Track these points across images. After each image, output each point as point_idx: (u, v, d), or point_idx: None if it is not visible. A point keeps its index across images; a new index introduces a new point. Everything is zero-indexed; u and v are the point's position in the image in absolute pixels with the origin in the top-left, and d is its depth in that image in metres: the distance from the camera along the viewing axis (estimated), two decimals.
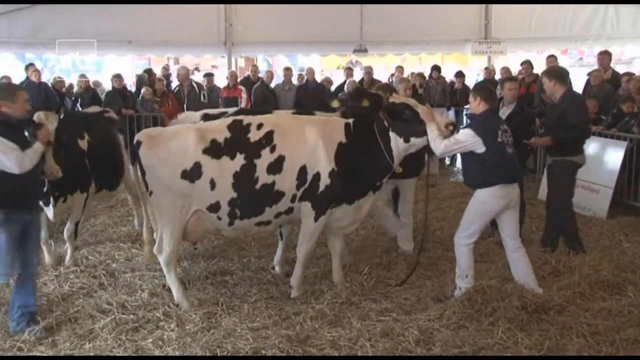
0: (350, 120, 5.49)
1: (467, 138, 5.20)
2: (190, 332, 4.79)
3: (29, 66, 12.00)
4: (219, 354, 4.45)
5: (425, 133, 5.27)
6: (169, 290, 5.52)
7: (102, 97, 12.19)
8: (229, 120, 5.50)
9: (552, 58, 11.35)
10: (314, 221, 5.35)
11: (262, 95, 11.86)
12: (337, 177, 5.26)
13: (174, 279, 5.40)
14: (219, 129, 5.29)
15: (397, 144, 5.37)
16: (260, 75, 12.85)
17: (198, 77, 14.65)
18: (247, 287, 5.73)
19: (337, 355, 4.43)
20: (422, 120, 5.28)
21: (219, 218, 5.26)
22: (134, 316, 5.07)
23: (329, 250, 5.94)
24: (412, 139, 5.34)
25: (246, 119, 5.43)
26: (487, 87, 6.30)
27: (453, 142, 5.21)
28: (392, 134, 5.36)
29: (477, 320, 4.81)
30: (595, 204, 8.09)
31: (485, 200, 5.26)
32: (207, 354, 4.44)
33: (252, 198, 5.20)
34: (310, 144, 5.26)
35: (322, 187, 5.27)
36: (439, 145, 5.20)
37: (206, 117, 6.60)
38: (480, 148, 5.16)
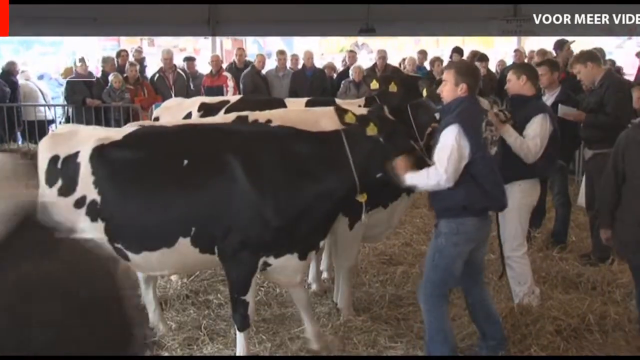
0: None
1: (548, 126, 5.25)
2: None
3: None
4: None
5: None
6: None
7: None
8: (232, 116, 5.45)
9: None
10: (349, 229, 5.30)
11: (253, 83, 11.80)
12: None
13: (152, 297, 5.35)
14: None
15: None
16: (249, 59, 12.82)
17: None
18: None
19: None
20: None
21: None
22: None
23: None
24: None
25: (252, 115, 5.39)
26: (531, 65, 6.31)
27: (543, 137, 5.20)
28: None
29: None
30: None
31: (525, 189, 5.32)
32: None
33: None
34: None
35: None
36: (531, 148, 5.16)
37: (203, 108, 6.38)
38: None
